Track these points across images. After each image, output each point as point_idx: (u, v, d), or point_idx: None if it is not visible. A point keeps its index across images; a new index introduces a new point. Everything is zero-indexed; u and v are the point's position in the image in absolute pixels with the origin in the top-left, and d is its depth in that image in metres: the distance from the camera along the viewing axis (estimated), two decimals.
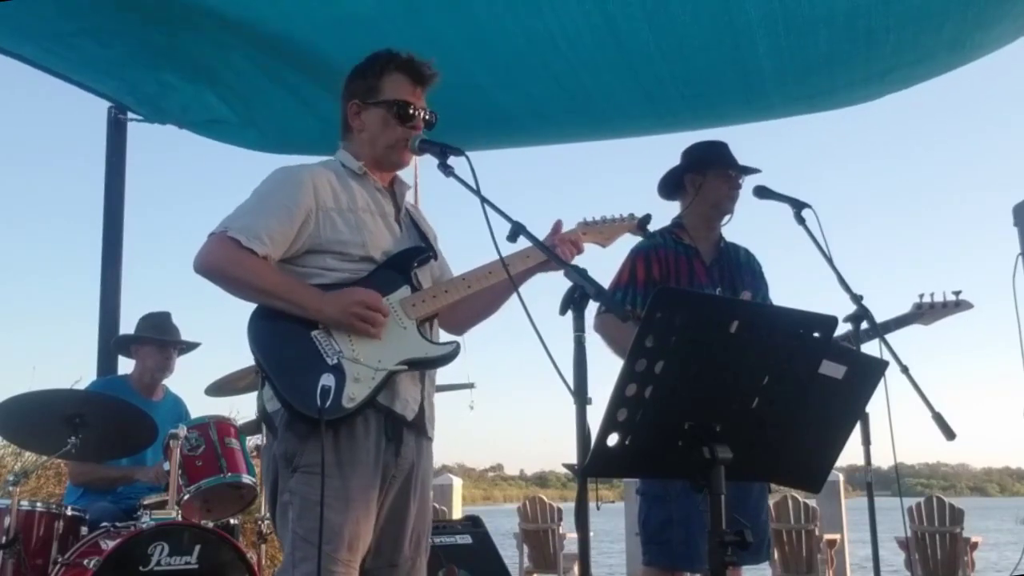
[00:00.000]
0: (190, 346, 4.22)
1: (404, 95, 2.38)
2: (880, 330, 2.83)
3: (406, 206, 2.49)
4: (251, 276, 2.19)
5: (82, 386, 4.50)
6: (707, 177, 3.26)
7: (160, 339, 4.08)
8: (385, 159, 2.41)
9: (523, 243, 2.09)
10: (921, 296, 3.22)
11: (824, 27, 3.62)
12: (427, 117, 2.41)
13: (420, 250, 2.40)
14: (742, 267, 3.32)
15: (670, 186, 3.38)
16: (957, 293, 3.21)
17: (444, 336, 2.46)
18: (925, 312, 3.20)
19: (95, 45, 3.95)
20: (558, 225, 2.50)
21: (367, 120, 2.40)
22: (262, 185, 2.32)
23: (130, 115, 4.86)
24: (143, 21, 3.73)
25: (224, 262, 2.20)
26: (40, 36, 3.91)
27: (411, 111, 2.36)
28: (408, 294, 2.30)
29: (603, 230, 2.59)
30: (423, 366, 2.30)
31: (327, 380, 2.12)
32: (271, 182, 2.32)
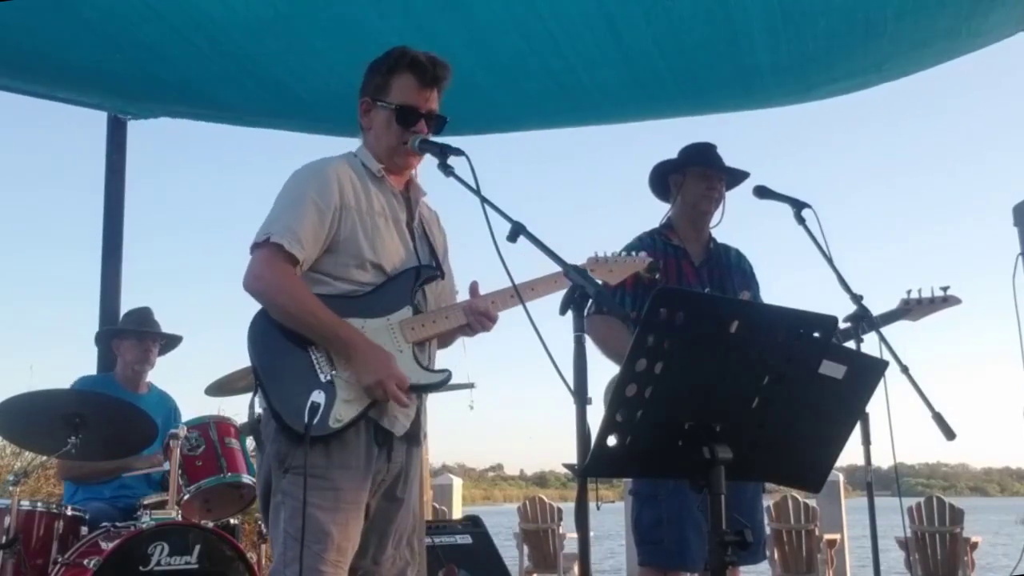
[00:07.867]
0: (172, 340, 4.21)
1: (411, 98, 2.34)
2: (866, 327, 2.81)
3: (420, 212, 2.47)
4: (296, 308, 2.19)
5: None
6: (686, 177, 3.26)
7: (138, 331, 4.09)
8: (389, 161, 2.39)
9: (523, 243, 2.07)
10: (909, 292, 3.19)
11: (823, 19, 3.62)
12: (437, 120, 2.38)
13: (427, 269, 2.39)
14: (732, 268, 3.31)
15: (658, 187, 3.39)
16: (945, 288, 3.17)
17: (439, 362, 2.44)
18: (913, 308, 3.17)
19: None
20: (474, 287, 2.40)
21: (374, 119, 2.38)
22: (291, 185, 2.30)
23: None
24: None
25: (274, 290, 2.20)
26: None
27: (415, 116, 2.33)
28: (409, 315, 2.30)
29: (613, 267, 2.58)
30: (413, 391, 2.29)
31: (317, 397, 2.13)
32: (300, 181, 2.30)
